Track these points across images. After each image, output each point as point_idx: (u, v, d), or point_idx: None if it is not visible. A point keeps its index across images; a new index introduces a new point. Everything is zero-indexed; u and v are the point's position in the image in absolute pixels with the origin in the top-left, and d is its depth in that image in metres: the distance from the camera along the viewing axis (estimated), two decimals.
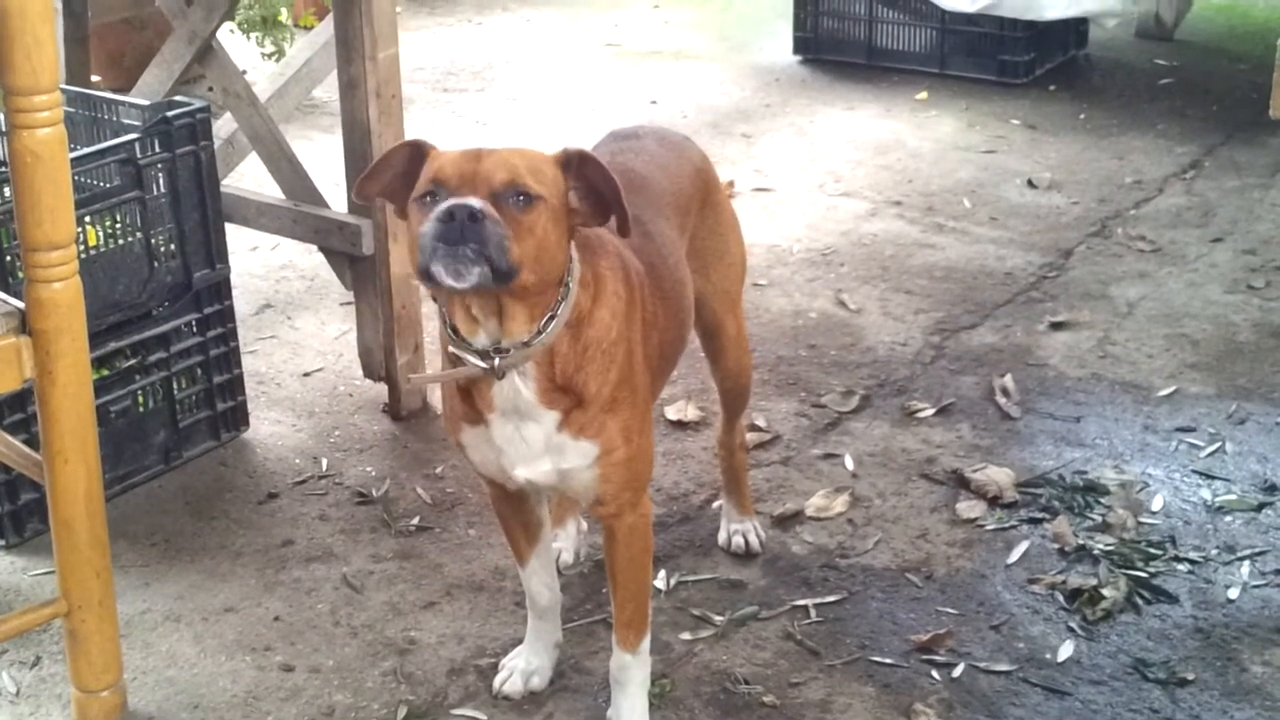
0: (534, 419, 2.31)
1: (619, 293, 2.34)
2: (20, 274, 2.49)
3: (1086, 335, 4.01)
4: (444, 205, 2.11)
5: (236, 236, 3.97)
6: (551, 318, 2.24)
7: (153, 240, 3.28)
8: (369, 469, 3.45)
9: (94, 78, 4.43)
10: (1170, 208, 4.85)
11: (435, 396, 3.65)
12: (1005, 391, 3.70)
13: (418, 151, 2.27)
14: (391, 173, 2.29)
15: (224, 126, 3.90)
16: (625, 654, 2.52)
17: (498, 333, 2.23)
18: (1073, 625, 2.87)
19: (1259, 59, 6.24)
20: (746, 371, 3.03)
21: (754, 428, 3.52)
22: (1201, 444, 3.46)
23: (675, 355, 2.66)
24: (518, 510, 2.59)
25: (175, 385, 3.40)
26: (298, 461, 3.49)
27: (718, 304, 2.86)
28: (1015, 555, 3.08)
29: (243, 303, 4.07)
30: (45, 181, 2.36)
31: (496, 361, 2.24)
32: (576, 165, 2.24)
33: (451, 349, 2.29)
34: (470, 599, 2.99)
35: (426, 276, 2.14)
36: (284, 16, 5.97)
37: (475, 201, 2.11)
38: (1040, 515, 3.21)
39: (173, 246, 3.33)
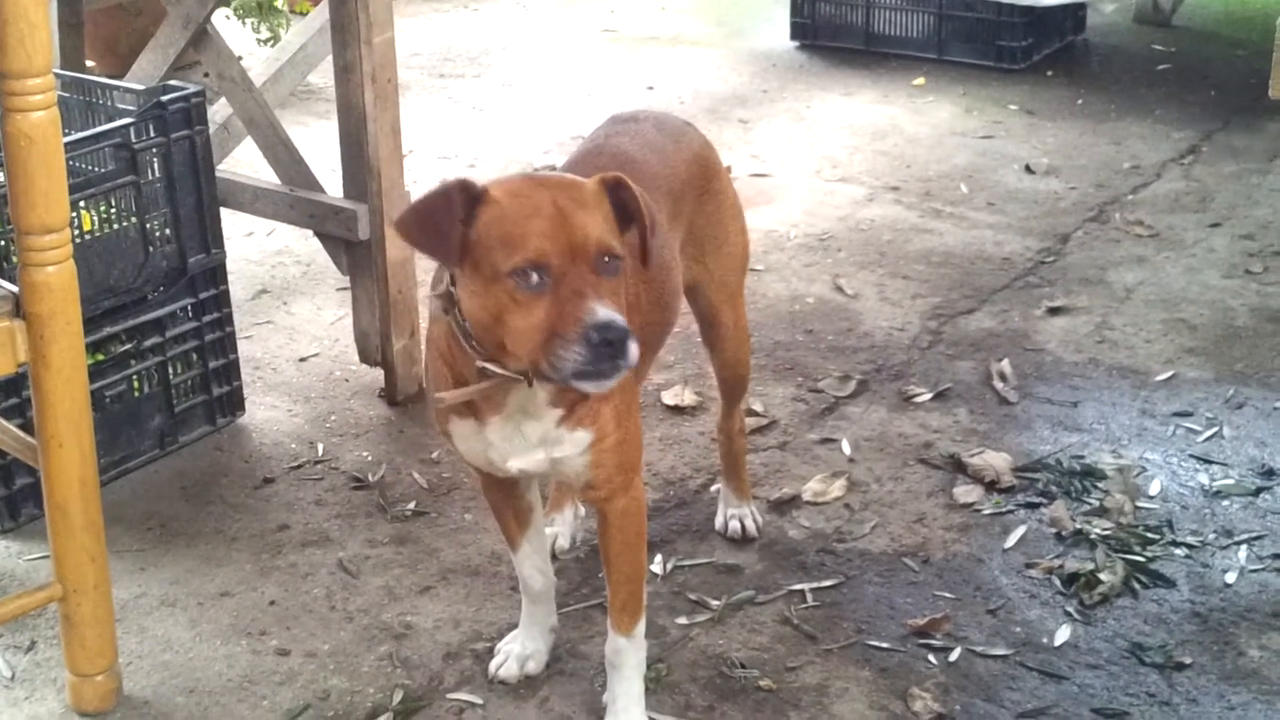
0: (537, 417, 2.31)
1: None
2: (14, 258, 2.48)
3: (1084, 320, 4.01)
4: (597, 326, 2.03)
5: (232, 222, 3.96)
6: None
7: (148, 225, 3.27)
8: (365, 454, 3.45)
9: (88, 63, 4.41)
10: (1168, 193, 4.84)
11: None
12: (1002, 376, 3.70)
13: (467, 195, 2.14)
14: (458, 226, 2.13)
15: (219, 111, 3.89)
16: (620, 638, 2.51)
17: None
18: (1070, 609, 2.86)
19: (1257, 44, 6.22)
20: (745, 361, 3.02)
21: (751, 413, 3.51)
22: (1199, 429, 3.46)
23: (659, 339, 2.65)
24: (508, 496, 2.59)
25: (170, 370, 3.40)
26: (293, 446, 3.48)
27: (715, 294, 2.85)
28: (1012, 540, 3.08)
29: (238, 288, 4.06)
30: (39, 165, 2.35)
31: (530, 373, 2.20)
32: (614, 189, 2.21)
33: (480, 364, 2.22)
34: (466, 584, 2.98)
35: (566, 380, 2.10)
36: (279, 2, 5.95)
37: (620, 320, 2.05)
38: (1037, 500, 3.20)
39: (168, 231, 3.32)
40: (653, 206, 2.24)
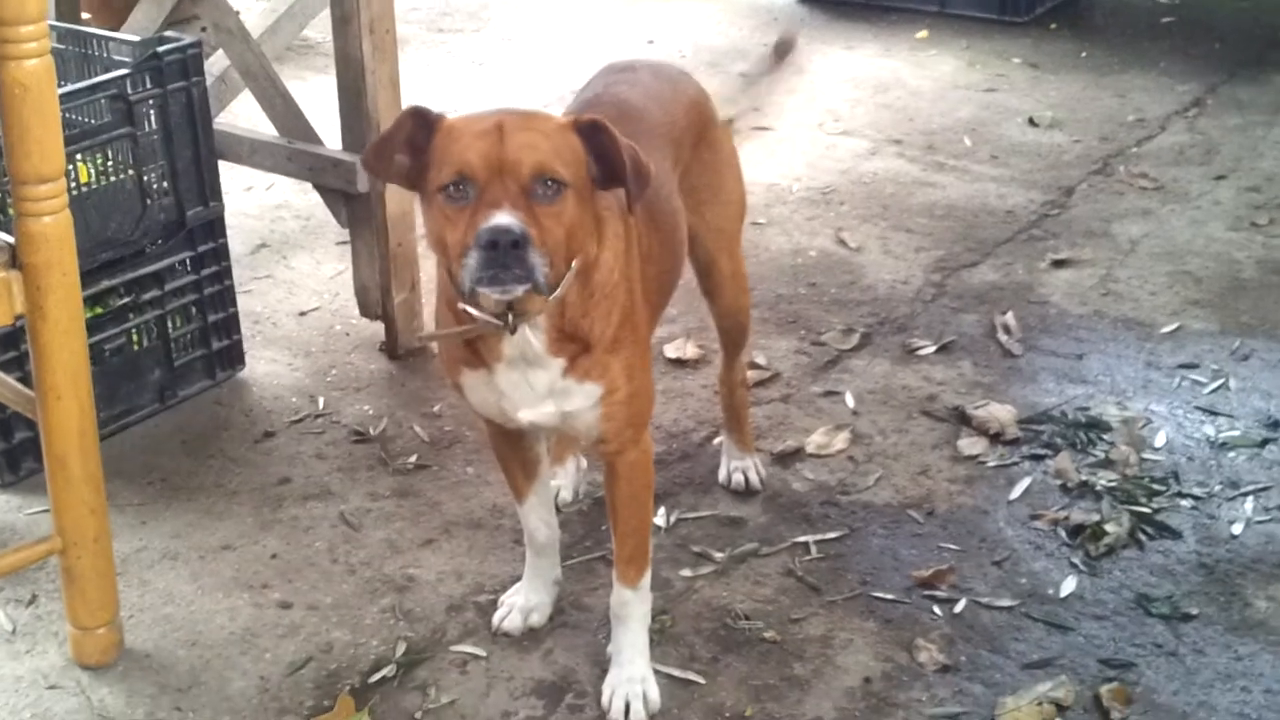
0: (541, 366, 2.29)
1: (618, 233, 2.31)
2: (10, 209, 2.46)
3: (1088, 273, 3.98)
4: (485, 230, 2.03)
5: (231, 177, 3.92)
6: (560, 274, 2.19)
7: (145, 178, 3.24)
8: (366, 407, 3.43)
9: (84, 16, 4.37)
10: (1172, 145, 4.81)
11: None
12: (1007, 329, 3.68)
13: (423, 120, 2.18)
14: (400, 147, 2.19)
15: (216, 64, 3.85)
16: (626, 590, 2.50)
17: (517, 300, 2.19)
18: (1075, 561, 2.85)
19: None
20: (744, 310, 3.00)
21: (754, 365, 3.49)
22: (1204, 380, 3.44)
23: (670, 287, 2.63)
24: (516, 448, 2.57)
25: (170, 324, 3.37)
26: (294, 400, 3.46)
27: (712, 242, 2.82)
28: (1017, 491, 3.06)
29: (238, 242, 4.03)
30: (33, 114, 2.33)
31: (510, 318, 2.20)
32: (589, 133, 2.17)
33: (462, 306, 2.23)
34: (468, 536, 2.97)
35: (471, 295, 2.11)
36: None
37: (515, 225, 2.03)
38: (1042, 452, 3.19)
39: (165, 184, 3.29)
40: (638, 153, 2.19)
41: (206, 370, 3.48)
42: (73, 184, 3.05)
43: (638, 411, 2.40)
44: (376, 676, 2.59)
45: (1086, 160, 4.71)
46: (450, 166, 2.10)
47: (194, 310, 3.42)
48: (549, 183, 2.09)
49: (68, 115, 2.92)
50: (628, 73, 2.77)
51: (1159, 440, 3.21)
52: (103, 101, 3.16)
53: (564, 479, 3.05)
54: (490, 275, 2.05)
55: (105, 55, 3.35)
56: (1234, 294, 3.84)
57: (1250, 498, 3.02)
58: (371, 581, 2.84)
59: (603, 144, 2.17)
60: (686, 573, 2.84)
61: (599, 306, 2.28)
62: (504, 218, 2.04)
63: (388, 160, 2.19)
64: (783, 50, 3.21)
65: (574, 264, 2.20)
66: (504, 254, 2.03)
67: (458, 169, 2.09)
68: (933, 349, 3.61)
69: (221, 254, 3.45)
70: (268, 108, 3.73)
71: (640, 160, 2.19)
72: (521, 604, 2.70)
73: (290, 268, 4.11)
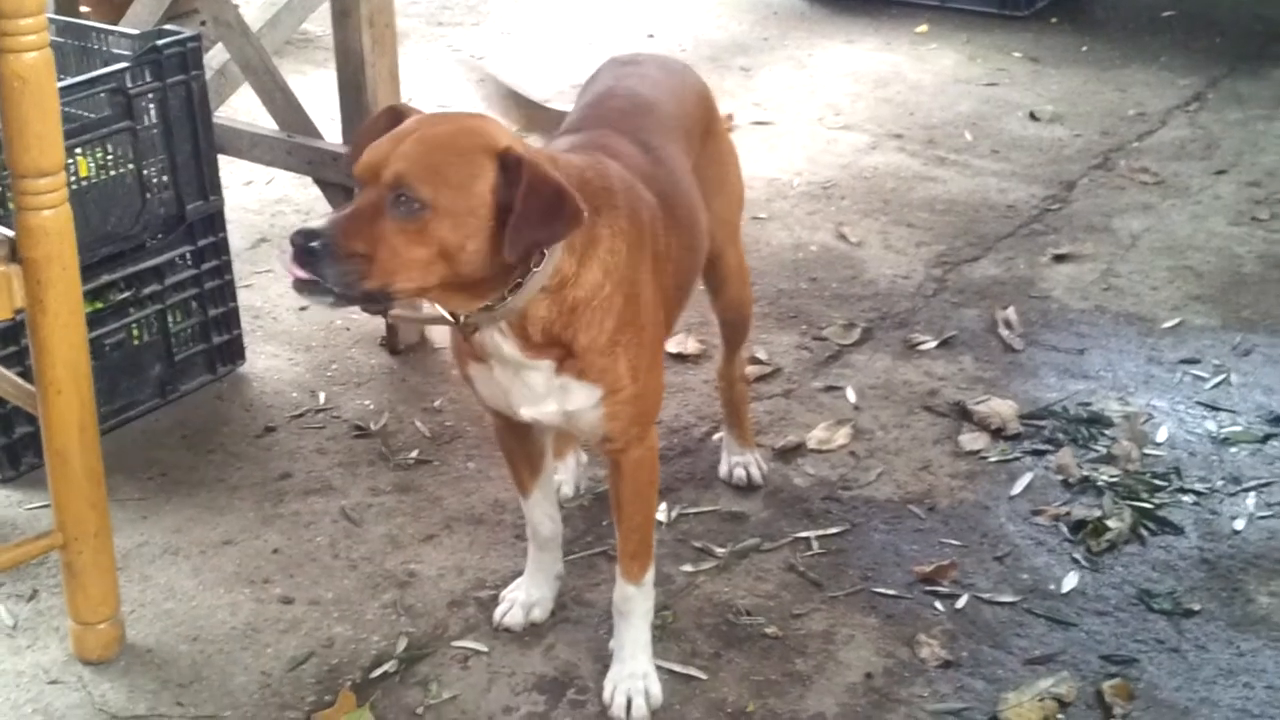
0: (529, 366, 2.27)
1: (615, 249, 2.24)
2: (10, 204, 2.45)
3: (1090, 267, 3.98)
4: (296, 231, 2.02)
5: (231, 171, 3.92)
6: (518, 286, 2.14)
7: (144, 171, 3.23)
8: (367, 402, 3.42)
9: (82, 9, 4.36)
10: (1173, 140, 4.80)
11: (435, 331, 3.62)
12: (1008, 324, 3.67)
13: (396, 118, 2.16)
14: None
15: (215, 57, 3.84)
16: (629, 585, 2.49)
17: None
18: (1077, 556, 2.85)
19: None
20: (747, 303, 3.00)
21: (755, 360, 3.49)
22: (1206, 376, 3.44)
23: (690, 283, 2.61)
24: (521, 442, 2.57)
25: (170, 318, 3.37)
26: (295, 395, 3.46)
27: (719, 234, 2.81)
28: (1019, 487, 3.06)
29: (238, 237, 4.02)
30: (32, 107, 2.32)
31: (462, 318, 2.19)
32: (515, 167, 2.06)
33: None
34: (470, 532, 2.96)
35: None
36: None
37: (317, 233, 1.99)
38: (1044, 447, 3.18)
39: (165, 178, 3.28)
40: (569, 198, 2.07)
41: (207, 365, 3.47)
42: (72, 178, 3.04)
43: (643, 411, 2.38)
44: (378, 672, 2.59)
45: (1087, 155, 4.71)
46: (357, 162, 2.11)
47: (194, 305, 3.41)
48: (403, 199, 2.02)
49: (67, 109, 2.90)
50: (634, 66, 2.77)
51: (1160, 436, 3.21)
52: (102, 95, 3.15)
53: (565, 474, 3.04)
54: (293, 278, 2.03)
55: (104, 49, 3.34)
56: (1235, 289, 3.84)
57: (1252, 493, 3.02)
58: (373, 577, 2.84)
59: (530, 183, 2.05)
60: (688, 568, 2.84)
61: (582, 319, 2.22)
62: (315, 223, 2.02)
63: (356, 156, 2.17)
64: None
65: (530, 281, 2.14)
66: (300, 257, 2.01)
67: (356, 166, 2.10)
68: (934, 344, 3.61)
69: (222, 248, 3.44)
70: (267, 102, 3.72)
71: (570, 204, 2.07)
72: (523, 599, 2.70)
73: None
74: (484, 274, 2.10)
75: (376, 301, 2.08)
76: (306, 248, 2.00)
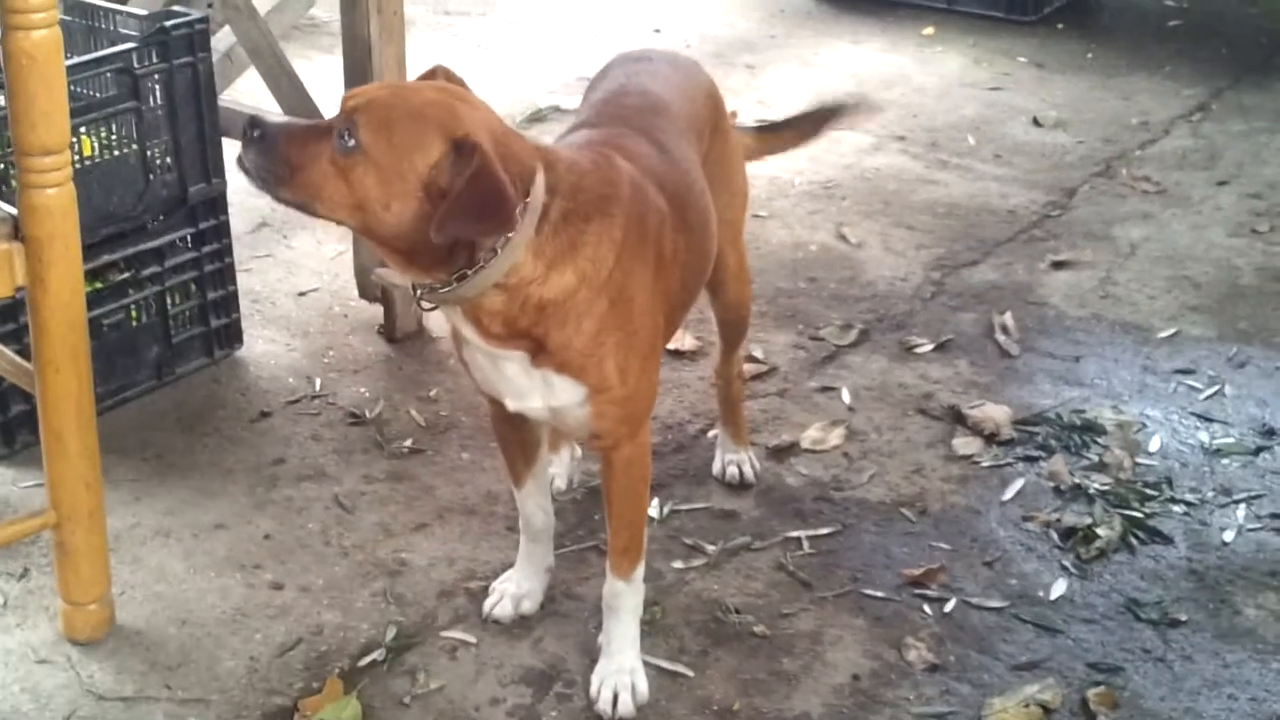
0: (502, 357, 2.28)
1: (598, 258, 2.23)
2: (14, 181, 2.45)
3: (1088, 275, 3.98)
4: (250, 116, 2.19)
5: (233, 154, 3.91)
6: (464, 275, 2.16)
7: (148, 152, 3.23)
8: (363, 390, 3.43)
9: None
10: (1176, 149, 4.81)
11: (430, 319, 3.63)
12: (1005, 329, 3.68)
13: (445, 79, 2.29)
14: None
15: (222, 40, 3.84)
16: (619, 581, 2.50)
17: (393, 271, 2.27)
18: (1066, 564, 2.86)
19: (1270, 2, 6.18)
20: (746, 303, 3.00)
21: (751, 359, 3.49)
22: (1200, 386, 3.45)
23: (698, 284, 2.61)
24: (516, 430, 2.57)
25: (169, 300, 3.37)
26: (291, 380, 3.46)
27: (722, 233, 2.80)
28: (1010, 492, 3.07)
29: (239, 221, 4.01)
30: (39, 85, 2.32)
31: (416, 291, 2.22)
32: (468, 155, 2.07)
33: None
34: (462, 522, 2.97)
35: None
36: None
37: (267, 124, 2.15)
38: (1036, 453, 3.19)
39: (169, 159, 3.28)
40: (504, 203, 2.08)
41: (204, 348, 3.48)
42: (76, 157, 3.04)
43: (632, 411, 2.37)
44: (366, 660, 2.60)
45: (1089, 162, 4.72)
46: None
47: (193, 287, 3.42)
48: (345, 133, 2.11)
49: (73, 88, 2.92)
50: (645, 63, 2.76)
51: (1153, 445, 3.22)
52: (108, 75, 3.16)
53: (558, 467, 3.05)
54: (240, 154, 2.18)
55: (112, 28, 3.34)
56: (1232, 300, 3.85)
57: (1242, 505, 3.03)
58: (363, 565, 2.85)
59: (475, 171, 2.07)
60: (678, 565, 2.85)
61: (554, 318, 2.22)
62: (270, 118, 2.20)
63: None
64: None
65: (478, 275, 2.14)
66: (245, 138, 2.16)
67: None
68: (930, 347, 3.62)
69: (222, 231, 3.45)
70: (273, 86, 3.72)
71: (501, 208, 2.08)
72: (513, 591, 2.71)
73: (290, 247, 4.11)
74: (412, 244, 2.14)
75: (298, 210, 2.21)
76: (248, 133, 2.15)
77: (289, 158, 2.13)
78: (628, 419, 2.37)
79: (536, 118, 5.00)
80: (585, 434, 2.41)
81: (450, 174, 2.08)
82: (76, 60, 3.09)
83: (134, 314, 3.32)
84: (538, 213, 2.18)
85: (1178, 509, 3.01)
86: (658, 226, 2.35)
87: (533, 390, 2.31)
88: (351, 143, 2.10)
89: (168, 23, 3.22)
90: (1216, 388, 3.44)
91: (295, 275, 3.95)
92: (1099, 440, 3.23)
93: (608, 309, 2.25)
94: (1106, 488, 3.06)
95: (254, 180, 2.18)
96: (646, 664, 2.55)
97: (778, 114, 4.97)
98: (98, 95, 3.17)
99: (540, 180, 2.18)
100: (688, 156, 2.55)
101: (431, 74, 2.29)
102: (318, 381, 3.45)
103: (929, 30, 5.92)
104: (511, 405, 2.36)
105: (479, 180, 2.07)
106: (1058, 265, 4.03)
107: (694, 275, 2.54)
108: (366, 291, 3.68)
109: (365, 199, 2.11)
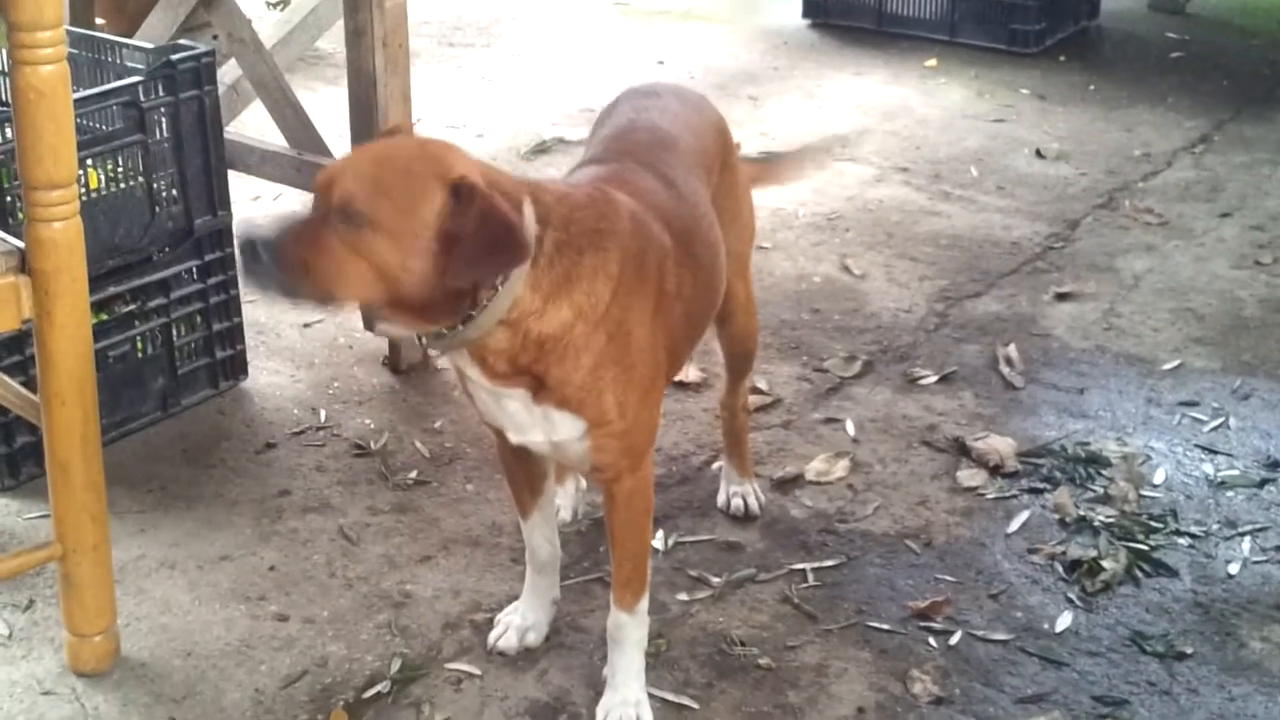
0: (504, 394, 2.29)
1: (594, 291, 2.23)
2: (20, 214, 2.46)
3: (1091, 307, 3.99)
4: (243, 238, 2.12)
5: (239, 186, 3.93)
6: (469, 317, 2.16)
7: (154, 185, 3.25)
8: (367, 421, 3.43)
9: (98, 21, 4.38)
10: (1178, 181, 4.82)
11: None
12: (1009, 361, 3.68)
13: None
14: None
15: (228, 73, 3.86)
16: (622, 613, 2.50)
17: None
18: (1071, 596, 2.85)
19: (1271, 34, 6.21)
20: (753, 336, 3.01)
21: (756, 390, 3.49)
22: (1205, 418, 3.45)
23: (705, 319, 2.61)
24: (523, 462, 2.57)
25: (174, 332, 3.38)
26: (296, 412, 3.47)
27: (730, 267, 2.80)
28: (1015, 525, 3.06)
29: None
30: (47, 119, 2.33)
31: (422, 339, 2.23)
32: (468, 197, 2.08)
33: None
34: (467, 554, 2.97)
35: None
36: None
37: (259, 233, 2.09)
38: (1041, 485, 3.19)
39: (174, 192, 3.30)
40: (515, 235, 2.10)
41: (209, 379, 3.48)
42: (82, 190, 3.04)
43: (632, 445, 2.37)
44: (371, 692, 2.59)
45: (1092, 193, 4.73)
46: None
47: (199, 319, 3.43)
48: (348, 213, 2.07)
49: (80, 121, 2.92)
50: (653, 98, 2.77)
51: (1158, 477, 3.22)
52: (115, 108, 3.17)
53: (563, 499, 3.04)
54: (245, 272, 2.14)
55: (118, 61, 3.36)
56: (1236, 332, 3.85)
57: (1248, 538, 3.03)
58: (368, 596, 2.84)
59: (475, 215, 2.08)
60: (683, 597, 2.85)
61: (553, 353, 2.22)
62: (262, 230, 2.10)
63: None
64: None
65: (483, 314, 2.15)
66: (243, 251, 2.11)
67: (316, 179, 2.17)
68: (934, 379, 3.62)
69: (228, 263, 3.45)
70: (278, 118, 3.74)
71: (513, 241, 2.10)
72: (518, 623, 2.70)
73: None
74: (429, 298, 2.13)
75: (319, 303, 2.18)
76: (248, 255, 2.11)
77: (298, 260, 2.09)
78: (628, 452, 2.37)
79: (541, 149, 5.01)
80: (587, 467, 2.42)
81: (455, 219, 2.09)
82: (83, 94, 3.10)
83: (139, 346, 3.33)
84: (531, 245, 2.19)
85: (1183, 541, 3.01)
86: (659, 261, 2.36)
87: (534, 425, 2.32)
88: (357, 219, 2.07)
89: (174, 56, 3.23)
90: (1221, 420, 3.44)
91: (300, 307, 3.95)
92: (1104, 472, 3.23)
93: (605, 344, 2.26)
94: (1111, 520, 3.06)
95: (273, 294, 2.15)
96: (651, 696, 2.55)
97: (780, 145, 5.00)
98: (104, 128, 3.18)
99: (529, 211, 2.19)
100: (696, 191, 2.56)
101: (393, 131, 2.29)
102: (323, 413, 3.46)
103: (931, 62, 5.94)
104: (514, 438, 2.37)
105: (487, 218, 2.08)
106: (1061, 297, 4.04)
107: (700, 310, 2.54)
108: (371, 323, 3.68)
109: (384, 267, 2.08)
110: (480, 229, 2.07)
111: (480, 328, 2.18)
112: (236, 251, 2.15)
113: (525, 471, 2.59)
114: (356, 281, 2.10)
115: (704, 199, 2.59)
